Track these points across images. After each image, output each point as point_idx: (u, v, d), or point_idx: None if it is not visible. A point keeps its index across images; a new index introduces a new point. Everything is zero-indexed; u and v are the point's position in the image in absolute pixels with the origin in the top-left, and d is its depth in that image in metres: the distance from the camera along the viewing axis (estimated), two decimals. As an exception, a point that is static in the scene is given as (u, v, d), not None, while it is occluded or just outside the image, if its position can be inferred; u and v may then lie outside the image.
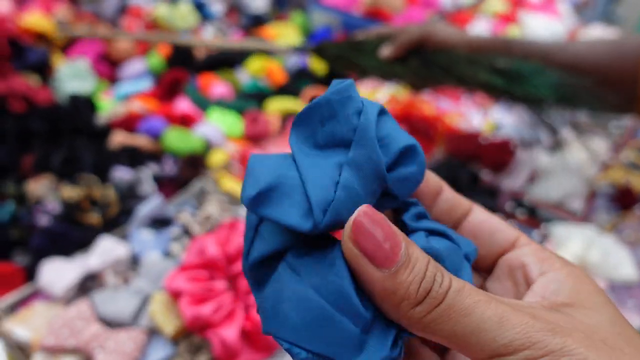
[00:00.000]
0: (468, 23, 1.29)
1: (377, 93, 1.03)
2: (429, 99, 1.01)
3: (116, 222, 0.70)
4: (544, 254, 0.20)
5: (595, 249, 0.65)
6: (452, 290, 0.15)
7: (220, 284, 0.55)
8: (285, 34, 1.22)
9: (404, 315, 0.16)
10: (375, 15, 1.28)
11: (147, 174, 0.76)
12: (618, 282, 0.65)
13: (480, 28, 1.27)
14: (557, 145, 0.92)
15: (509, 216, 0.74)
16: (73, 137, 0.82)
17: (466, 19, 1.31)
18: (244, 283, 0.55)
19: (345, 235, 0.16)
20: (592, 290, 0.18)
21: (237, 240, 0.58)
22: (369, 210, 0.16)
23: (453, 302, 0.15)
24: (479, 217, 0.22)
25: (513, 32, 1.27)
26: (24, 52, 1.00)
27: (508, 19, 1.35)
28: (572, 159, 0.86)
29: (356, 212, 0.16)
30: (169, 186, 0.80)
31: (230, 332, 0.50)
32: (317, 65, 1.13)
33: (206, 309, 0.51)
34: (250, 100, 0.99)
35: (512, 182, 0.82)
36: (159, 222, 0.70)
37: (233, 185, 0.78)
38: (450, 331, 0.15)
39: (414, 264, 0.16)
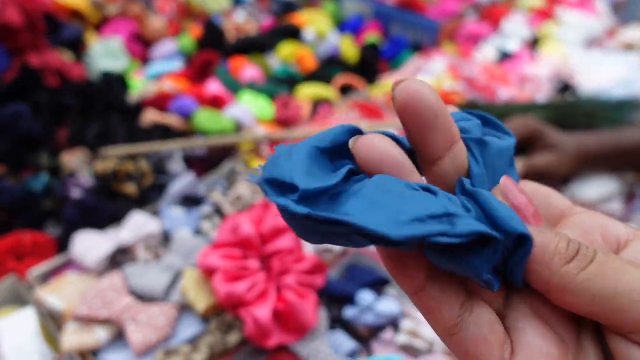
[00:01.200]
0: (503, 17, 1.26)
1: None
2: (461, 90, 0.99)
3: (147, 197, 0.70)
4: (613, 219, 0.18)
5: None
6: (599, 251, 0.15)
7: (253, 263, 0.54)
8: (316, 20, 1.21)
9: (557, 272, 0.15)
10: (408, 6, 1.26)
11: (177, 152, 0.76)
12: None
13: (515, 23, 1.24)
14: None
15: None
16: (105, 113, 0.82)
17: (501, 12, 1.28)
18: (276, 263, 0.55)
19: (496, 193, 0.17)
20: None
21: (271, 221, 0.57)
22: (509, 179, 0.17)
23: (606, 260, 0.15)
24: (530, 185, 0.21)
25: (549, 28, 1.24)
26: (58, 28, 1.01)
27: (544, 14, 1.31)
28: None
29: (502, 179, 0.17)
30: (198, 166, 0.80)
31: (263, 312, 0.50)
32: (349, 53, 1.11)
33: (240, 287, 0.50)
34: (280, 84, 0.98)
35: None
36: (189, 200, 0.69)
37: (263, 167, 0.78)
38: (601, 292, 0.14)
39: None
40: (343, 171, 0.16)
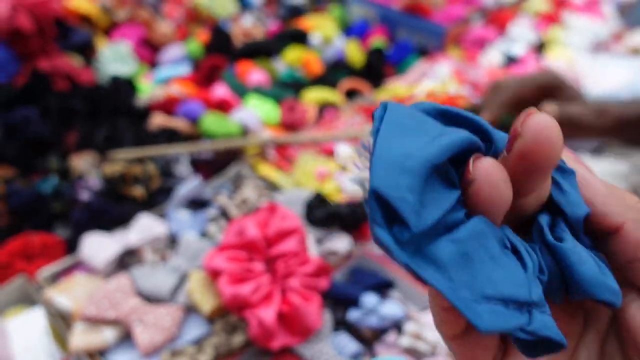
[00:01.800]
0: (509, 21, 1.26)
1: (415, 89, 1.01)
2: (467, 94, 0.99)
3: (154, 200, 0.71)
4: None
5: None
6: None
7: (258, 266, 0.54)
8: (323, 25, 1.22)
9: (633, 207, 0.16)
10: (414, 10, 1.26)
11: (184, 155, 0.77)
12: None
13: (521, 27, 1.24)
14: (600, 149, 0.89)
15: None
16: (114, 117, 0.83)
17: (507, 17, 1.28)
18: (281, 266, 0.55)
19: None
20: None
21: (276, 224, 0.57)
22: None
23: None
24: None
25: (555, 32, 1.24)
26: (68, 33, 1.02)
27: (550, 18, 1.31)
28: (615, 164, 0.83)
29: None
30: (205, 169, 0.80)
31: (267, 314, 0.50)
32: (355, 57, 1.12)
33: (245, 289, 0.51)
34: (287, 89, 0.99)
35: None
36: (196, 204, 0.70)
37: (269, 171, 0.78)
38: None
39: None
40: (450, 202, 0.14)
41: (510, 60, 1.13)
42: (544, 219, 0.16)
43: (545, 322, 0.14)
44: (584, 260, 0.15)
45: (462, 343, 0.17)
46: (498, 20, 1.27)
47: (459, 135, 0.14)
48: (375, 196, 0.13)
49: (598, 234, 0.17)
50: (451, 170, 0.15)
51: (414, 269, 0.13)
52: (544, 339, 0.14)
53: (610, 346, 0.17)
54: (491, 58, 1.13)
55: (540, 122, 0.14)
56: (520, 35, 1.22)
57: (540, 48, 1.20)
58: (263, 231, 0.57)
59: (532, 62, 1.12)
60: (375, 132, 0.14)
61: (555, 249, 0.15)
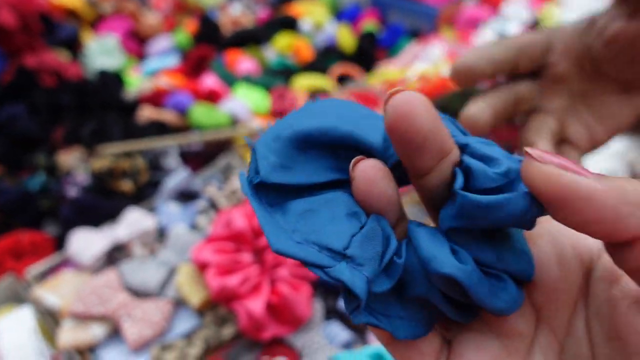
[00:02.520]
0: (503, 1, 1.24)
1: (406, 71, 1.00)
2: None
3: (143, 194, 0.70)
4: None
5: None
6: None
7: (246, 257, 0.54)
8: (313, 11, 1.20)
9: (632, 215, 0.13)
10: (406, -8, 1.24)
11: (173, 148, 0.76)
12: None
13: (515, 5, 1.22)
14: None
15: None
16: (102, 112, 0.82)
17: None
18: (270, 257, 0.54)
19: (529, 163, 0.14)
20: None
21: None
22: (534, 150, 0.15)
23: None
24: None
25: (550, 10, 1.21)
26: (54, 28, 1.01)
27: (546, -5, 1.28)
28: (612, 143, 0.81)
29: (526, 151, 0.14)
30: (194, 161, 0.80)
31: (256, 305, 0.50)
32: (346, 42, 1.10)
33: (233, 281, 0.50)
34: (277, 76, 0.97)
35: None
36: (185, 196, 0.69)
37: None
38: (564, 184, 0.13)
39: None
40: (322, 178, 0.16)
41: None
42: (412, 223, 0.17)
43: (349, 274, 0.15)
44: (426, 243, 0.15)
45: (398, 347, 0.17)
46: (491, 2, 1.24)
47: (344, 125, 0.16)
48: (252, 151, 0.17)
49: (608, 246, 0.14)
50: (342, 159, 0.17)
51: (253, 206, 0.16)
52: (348, 291, 0.15)
53: (574, 345, 0.16)
54: (485, 38, 1.11)
55: (399, 98, 0.14)
56: (514, 13, 1.19)
57: (534, 26, 1.17)
58: (250, 222, 0.56)
59: (527, 41, 1.10)
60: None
61: (410, 234, 0.16)
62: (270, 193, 0.16)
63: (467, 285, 0.15)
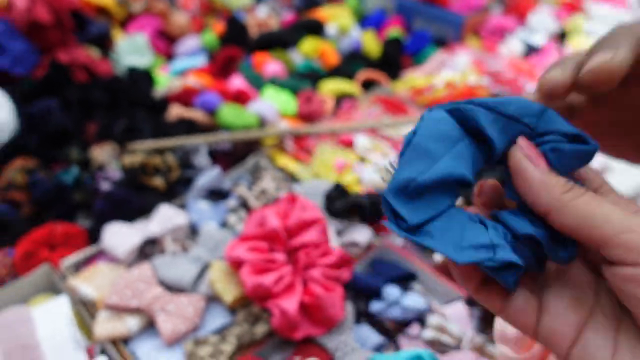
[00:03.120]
0: (529, 10, 1.24)
1: (433, 79, 1.00)
2: (487, 84, 0.97)
3: (174, 191, 0.71)
4: None
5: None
6: (589, 191, 0.21)
7: (280, 256, 0.54)
8: (338, 15, 1.21)
9: (557, 198, 0.20)
10: (431, 0, 1.24)
11: (202, 147, 0.77)
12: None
13: (542, 16, 1.21)
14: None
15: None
16: (132, 109, 0.83)
17: (528, 6, 1.25)
18: (302, 257, 0.55)
19: (515, 149, 0.22)
20: None
21: (297, 215, 0.57)
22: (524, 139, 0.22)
23: (592, 196, 0.20)
24: None
25: (577, 21, 1.21)
26: (86, 25, 1.03)
27: (572, 7, 1.28)
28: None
29: (519, 139, 0.22)
30: (223, 161, 0.80)
31: (290, 304, 0.50)
32: (371, 47, 1.10)
33: (267, 279, 0.50)
34: (303, 80, 0.98)
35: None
36: (215, 194, 0.70)
37: (287, 162, 0.78)
38: (584, 214, 0.20)
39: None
40: (443, 206, 0.22)
41: (531, 50, 1.11)
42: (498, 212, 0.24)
43: (506, 253, 0.21)
44: (516, 220, 0.22)
45: (484, 293, 0.23)
46: (518, 9, 1.25)
47: (447, 169, 0.21)
48: (385, 202, 0.21)
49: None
50: (453, 185, 0.22)
51: (417, 241, 0.21)
52: (509, 264, 0.21)
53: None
54: (511, 47, 1.11)
55: None
56: (540, 24, 1.19)
57: (561, 37, 1.17)
58: (283, 222, 0.57)
59: (553, 52, 1.09)
60: (400, 154, 0.22)
61: (499, 217, 0.23)
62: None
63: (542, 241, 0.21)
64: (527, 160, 0.21)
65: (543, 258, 0.22)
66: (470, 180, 0.22)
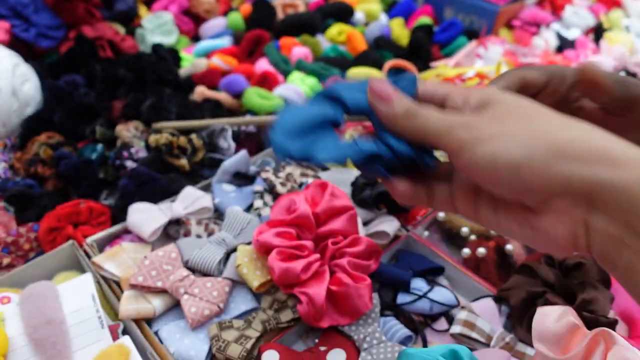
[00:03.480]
0: (566, 4, 1.19)
1: (463, 69, 0.97)
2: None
3: (199, 173, 0.70)
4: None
5: None
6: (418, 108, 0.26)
7: (308, 243, 0.53)
8: (367, 1, 1.18)
9: (399, 124, 0.26)
10: (462, -11, 1.20)
11: (227, 128, 0.75)
12: None
13: (578, 9, 1.17)
14: None
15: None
16: (158, 87, 0.82)
17: (563, 3, 1.21)
18: (330, 245, 0.53)
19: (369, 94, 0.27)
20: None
21: (326, 202, 0.55)
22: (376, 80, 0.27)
23: (416, 109, 0.26)
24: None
25: (615, 16, 1.16)
26: (112, 1, 1.01)
27: (610, 2, 1.23)
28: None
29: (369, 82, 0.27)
30: (247, 144, 0.79)
31: (318, 292, 0.49)
32: (400, 34, 1.08)
33: (296, 265, 0.49)
34: (330, 65, 0.96)
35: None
36: (240, 178, 0.69)
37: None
38: (413, 128, 0.25)
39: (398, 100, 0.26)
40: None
41: (565, 44, 1.07)
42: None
43: (365, 145, 0.26)
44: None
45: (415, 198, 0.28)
46: (553, 2, 1.20)
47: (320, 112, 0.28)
48: (273, 141, 0.27)
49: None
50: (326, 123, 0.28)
51: (297, 156, 0.26)
52: (375, 156, 0.26)
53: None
54: (545, 40, 1.07)
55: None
56: (576, 17, 1.15)
57: (597, 32, 1.13)
58: (312, 208, 0.55)
59: (588, 46, 1.06)
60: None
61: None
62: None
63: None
64: (377, 100, 0.26)
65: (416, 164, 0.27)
66: (339, 119, 0.28)
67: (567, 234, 0.22)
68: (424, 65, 1.01)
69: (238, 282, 0.54)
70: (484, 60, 1.01)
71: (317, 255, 0.52)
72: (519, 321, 0.52)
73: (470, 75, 0.94)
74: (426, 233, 0.66)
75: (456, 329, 0.51)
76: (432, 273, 0.59)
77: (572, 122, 0.23)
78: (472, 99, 0.26)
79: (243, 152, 0.68)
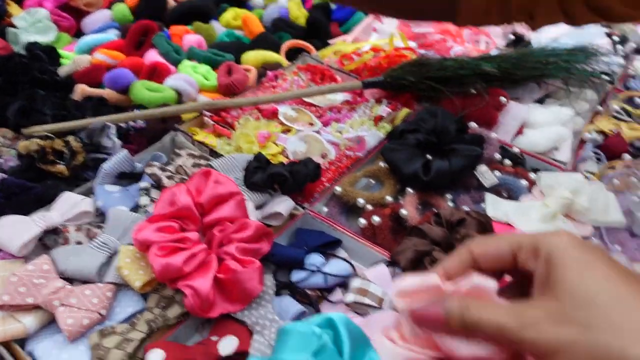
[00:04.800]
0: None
1: (360, 44, 0.98)
2: (414, 48, 0.96)
3: (81, 176, 0.65)
4: None
5: (583, 195, 0.63)
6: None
7: (192, 235, 0.51)
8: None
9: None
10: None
11: (111, 127, 0.71)
12: (606, 226, 0.63)
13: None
14: (546, 97, 0.89)
15: (496, 167, 0.72)
16: (31, 89, 0.75)
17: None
18: (217, 234, 0.52)
19: None
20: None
21: (210, 190, 0.54)
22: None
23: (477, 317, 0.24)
24: None
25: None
26: (-26, 1, 0.92)
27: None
28: (560, 110, 0.83)
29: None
30: (139, 139, 0.75)
31: (203, 283, 0.47)
32: (298, 15, 1.06)
33: (177, 259, 0.47)
34: (225, 51, 0.92)
35: (501, 133, 0.79)
36: (125, 177, 0.65)
37: (207, 137, 0.74)
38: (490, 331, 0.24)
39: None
40: None
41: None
42: None
43: None
44: None
45: None
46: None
47: None
48: None
49: None
50: None
51: None
52: None
53: None
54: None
55: None
56: None
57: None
58: (197, 199, 0.53)
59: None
60: None
61: None
62: None
63: None
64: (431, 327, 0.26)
65: None
66: None
67: None
68: (323, 43, 1.01)
69: (124, 285, 0.51)
70: (379, 33, 1.02)
71: (203, 246, 0.51)
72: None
73: (366, 49, 0.95)
74: (325, 209, 0.66)
75: (349, 297, 0.51)
76: (331, 247, 0.60)
77: None
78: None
79: (124, 152, 0.64)
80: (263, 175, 0.61)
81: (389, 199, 0.65)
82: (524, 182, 0.69)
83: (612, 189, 0.68)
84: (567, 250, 0.23)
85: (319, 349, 0.31)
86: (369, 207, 0.64)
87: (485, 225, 0.56)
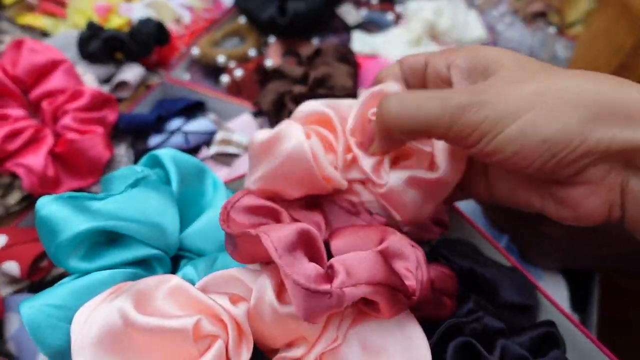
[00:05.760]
0: None
1: None
2: None
3: None
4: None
5: (445, 15, 0.63)
6: None
7: (14, 112, 0.44)
8: None
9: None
10: None
11: None
12: (468, 43, 0.64)
13: None
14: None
15: (363, 5, 0.69)
16: None
17: None
18: (47, 107, 0.46)
19: None
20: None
21: (27, 61, 0.46)
22: None
23: (408, 102, 0.23)
24: None
25: None
26: None
27: None
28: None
29: None
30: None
31: (35, 159, 0.42)
32: None
33: (-7, 138, 0.41)
34: None
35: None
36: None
37: (35, 20, 0.63)
38: (417, 124, 0.23)
39: None
40: None
41: None
42: None
43: None
44: None
45: None
46: None
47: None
48: None
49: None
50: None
51: None
52: None
53: None
54: None
55: None
56: None
57: None
58: (11, 72, 0.46)
59: None
60: None
61: None
62: None
63: None
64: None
65: None
66: None
67: (600, 204, 0.20)
68: None
69: (-48, 184, 0.45)
70: None
71: (31, 122, 0.45)
72: (274, 122, 0.51)
73: None
74: (187, 75, 0.60)
75: (213, 149, 0.49)
76: (194, 111, 0.56)
77: (591, 75, 0.20)
78: (460, 63, 0.23)
79: None
80: (98, 42, 0.53)
81: (252, 53, 0.61)
82: (390, 16, 0.67)
83: (476, 9, 0.68)
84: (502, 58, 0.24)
85: (137, 181, 0.30)
86: (232, 63, 0.60)
87: (345, 55, 0.54)
